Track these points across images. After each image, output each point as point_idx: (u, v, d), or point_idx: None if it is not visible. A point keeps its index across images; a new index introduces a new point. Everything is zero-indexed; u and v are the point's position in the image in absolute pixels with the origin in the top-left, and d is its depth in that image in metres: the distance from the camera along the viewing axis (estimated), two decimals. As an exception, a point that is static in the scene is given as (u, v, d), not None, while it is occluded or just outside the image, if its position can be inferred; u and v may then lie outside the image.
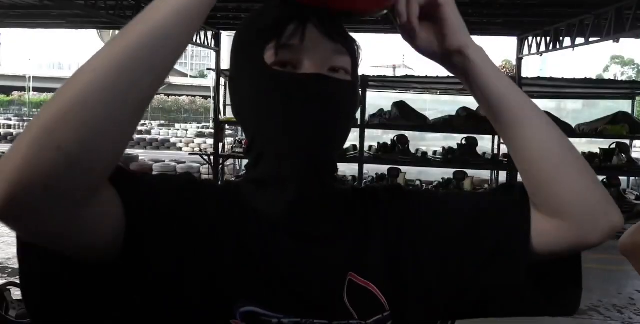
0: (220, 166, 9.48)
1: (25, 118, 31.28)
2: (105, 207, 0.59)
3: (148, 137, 23.73)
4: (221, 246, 0.68)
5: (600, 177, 9.24)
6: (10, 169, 0.49)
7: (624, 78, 40.53)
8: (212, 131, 12.10)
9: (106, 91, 0.51)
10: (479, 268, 0.73)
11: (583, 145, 15.39)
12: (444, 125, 7.92)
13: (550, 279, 0.74)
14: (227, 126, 9.52)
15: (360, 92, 0.73)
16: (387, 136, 11.28)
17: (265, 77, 0.69)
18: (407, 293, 0.73)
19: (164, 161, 13.78)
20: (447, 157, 8.62)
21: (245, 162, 1.61)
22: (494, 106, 0.72)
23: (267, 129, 0.70)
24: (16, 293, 3.39)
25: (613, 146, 9.68)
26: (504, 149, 10.32)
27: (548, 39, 9.14)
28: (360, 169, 9.66)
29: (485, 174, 11.42)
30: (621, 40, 7.52)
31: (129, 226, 0.61)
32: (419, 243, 0.75)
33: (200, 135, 25.42)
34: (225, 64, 0.89)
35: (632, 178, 11.44)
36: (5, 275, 5.25)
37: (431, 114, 8.69)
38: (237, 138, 11.33)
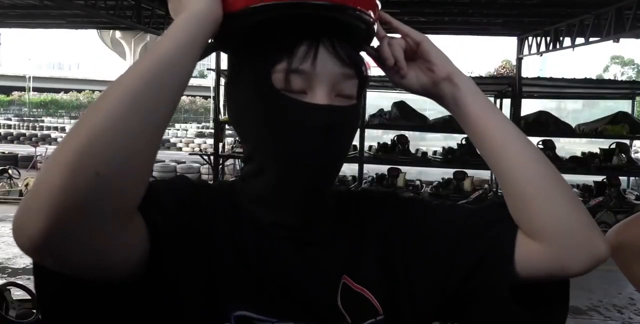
0: (220, 166, 9.48)
1: (25, 118, 31.28)
2: (138, 232, 0.59)
3: (148, 137, 23.65)
4: (219, 250, 0.68)
5: (600, 177, 9.16)
6: (48, 196, 0.48)
7: (624, 78, 40.53)
8: (212, 131, 12.10)
9: (132, 113, 0.53)
10: (466, 277, 0.74)
11: (583, 145, 15.39)
12: (444, 125, 7.91)
13: (536, 293, 0.74)
14: (227, 126, 9.51)
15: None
16: (387, 136, 11.29)
17: (275, 101, 0.67)
18: (399, 298, 0.73)
19: (164, 161, 13.77)
20: (447, 157, 8.62)
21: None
22: (480, 130, 0.74)
23: (270, 151, 0.69)
24: (16, 293, 3.39)
25: (613, 146, 9.69)
26: (504, 149, 10.30)
27: (548, 39, 9.14)
28: (360, 169, 9.65)
29: (485, 174, 11.42)
30: (621, 40, 7.52)
31: (152, 246, 0.61)
32: (409, 250, 0.76)
33: (200, 135, 25.40)
34: (225, 64, 0.87)
35: (632, 178, 11.44)
36: (5, 275, 5.25)
37: (431, 114, 8.67)
38: (237, 138, 11.33)
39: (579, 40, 8.48)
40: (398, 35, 0.76)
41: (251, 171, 0.73)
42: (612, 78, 37.23)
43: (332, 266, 0.72)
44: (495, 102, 11.24)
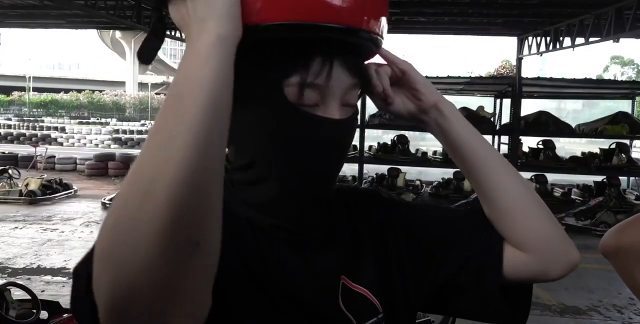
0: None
1: (25, 118, 31.27)
2: None
3: (148, 137, 23.69)
4: (223, 256, 0.65)
5: (600, 177, 9.15)
6: (140, 268, 0.47)
7: (623, 78, 40.52)
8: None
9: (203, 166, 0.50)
10: (454, 275, 0.77)
11: (583, 145, 15.40)
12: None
13: (511, 291, 0.79)
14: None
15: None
16: (387, 136, 11.29)
17: (288, 114, 0.66)
18: (395, 294, 0.76)
19: (164, 161, 13.78)
20: (447, 157, 8.60)
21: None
22: (463, 153, 0.79)
23: (279, 161, 0.68)
24: (16, 293, 3.40)
25: (613, 146, 9.69)
26: (504, 149, 10.32)
27: (548, 39, 9.13)
28: (360, 169, 9.66)
29: (485, 174, 11.38)
30: (621, 40, 7.52)
31: None
32: (403, 248, 0.78)
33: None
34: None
35: (632, 178, 11.44)
36: (5, 275, 5.25)
37: (431, 114, 8.67)
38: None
39: (579, 40, 8.48)
40: (382, 62, 0.78)
41: (249, 179, 0.70)
42: (612, 78, 37.22)
43: (330, 267, 0.72)
44: (495, 102, 11.24)
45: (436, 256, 0.77)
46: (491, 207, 0.78)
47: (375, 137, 12.14)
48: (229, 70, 0.55)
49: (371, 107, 8.94)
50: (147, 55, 0.60)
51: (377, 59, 0.76)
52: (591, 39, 8.15)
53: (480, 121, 9.89)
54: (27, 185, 9.30)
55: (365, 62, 0.74)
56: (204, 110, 0.51)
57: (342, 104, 0.69)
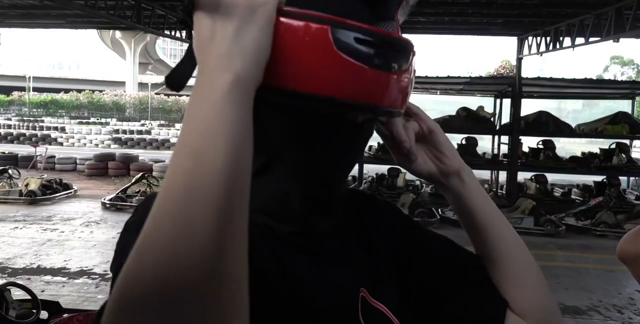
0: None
1: (25, 118, 31.27)
2: None
3: (148, 137, 23.69)
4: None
5: (600, 177, 9.12)
6: None
7: (623, 78, 40.52)
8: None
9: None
10: (459, 316, 0.75)
11: (583, 145, 15.40)
12: (443, 125, 7.91)
13: None
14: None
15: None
16: (387, 136, 11.25)
17: (312, 122, 0.63)
18: (410, 312, 0.74)
19: (164, 161, 13.77)
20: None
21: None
22: (479, 224, 0.77)
23: (300, 165, 0.65)
24: (16, 293, 3.39)
25: (613, 146, 9.70)
26: (504, 149, 10.33)
27: (548, 39, 9.14)
28: (360, 169, 9.65)
29: (485, 174, 11.42)
30: (621, 40, 7.52)
31: None
32: (414, 270, 0.76)
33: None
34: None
35: (632, 178, 11.44)
36: (5, 275, 5.25)
37: (431, 114, 8.53)
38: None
39: (579, 40, 8.48)
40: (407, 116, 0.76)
41: (264, 184, 0.66)
42: (612, 78, 37.22)
43: (349, 279, 0.69)
44: (495, 102, 11.24)
45: (442, 293, 0.75)
46: (496, 272, 0.77)
47: (375, 137, 12.12)
48: (248, 118, 0.49)
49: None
50: (177, 82, 0.54)
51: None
52: (591, 39, 8.15)
53: (480, 120, 9.91)
54: (27, 185, 9.30)
55: None
56: (224, 174, 0.45)
57: None
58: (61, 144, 22.15)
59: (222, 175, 0.45)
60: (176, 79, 0.54)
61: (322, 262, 0.68)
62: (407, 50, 0.60)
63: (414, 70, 0.64)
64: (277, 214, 0.66)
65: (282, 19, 0.55)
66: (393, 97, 0.60)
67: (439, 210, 8.67)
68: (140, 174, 9.87)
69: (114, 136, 23.36)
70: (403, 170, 9.73)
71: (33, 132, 24.12)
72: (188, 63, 0.54)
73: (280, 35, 0.55)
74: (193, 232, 0.43)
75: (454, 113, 9.72)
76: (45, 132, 24.22)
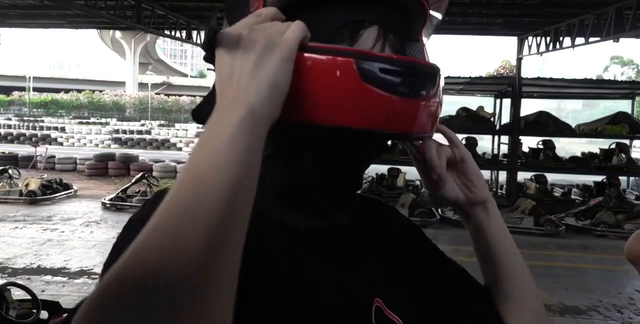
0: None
1: (25, 118, 31.28)
2: None
3: (148, 137, 23.69)
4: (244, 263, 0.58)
5: (600, 177, 9.11)
6: None
7: (623, 78, 40.53)
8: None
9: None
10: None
11: (583, 145, 15.40)
12: (443, 124, 7.91)
13: None
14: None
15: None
16: (387, 136, 11.25)
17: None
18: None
19: (164, 161, 13.78)
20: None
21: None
22: (492, 252, 0.77)
23: (302, 150, 0.65)
24: (16, 293, 3.40)
25: (613, 146, 9.71)
26: (504, 149, 10.32)
27: (548, 39, 9.14)
28: (360, 169, 9.63)
29: (485, 174, 11.36)
30: (621, 40, 7.53)
31: None
32: (426, 286, 0.77)
33: (200, 135, 25.25)
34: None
35: (632, 178, 11.44)
36: (6, 275, 5.25)
37: (431, 114, 8.67)
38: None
39: (579, 40, 8.49)
40: (440, 138, 0.76)
41: (282, 165, 0.66)
42: (612, 78, 37.22)
43: (363, 286, 0.68)
44: (495, 102, 11.25)
45: (449, 313, 0.76)
46: (504, 303, 0.77)
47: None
48: (257, 152, 0.50)
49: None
50: (205, 114, 0.54)
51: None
52: (591, 39, 8.15)
53: (480, 120, 9.91)
54: (27, 185, 9.30)
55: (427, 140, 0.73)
56: (222, 203, 0.45)
57: None
58: (61, 144, 22.16)
59: (220, 203, 0.45)
60: (203, 112, 0.55)
61: (336, 263, 0.67)
62: (433, 75, 0.60)
63: (442, 92, 0.64)
64: (293, 202, 0.66)
65: (307, 55, 0.55)
66: (423, 123, 0.60)
67: (439, 210, 8.68)
68: (141, 174, 9.87)
69: (114, 136, 23.37)
70: (403, 170, 9.75)
71: (33, 132, 24.13)
72: (213, 97, 0.54)
73: (306, 70, 0.55)
74: (180, 252, 0.43)
75: (454, 113, 9.72)
76: (45, 132, 24.23)
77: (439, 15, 0.68)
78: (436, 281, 0.77)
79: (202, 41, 0.51)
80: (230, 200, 0.46)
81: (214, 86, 0.55)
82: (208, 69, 0.58)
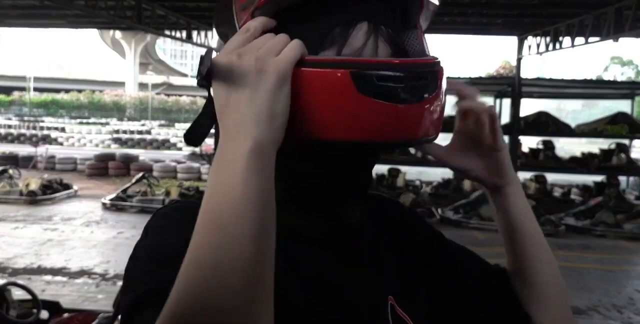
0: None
1: (25, 118, 31.27)
2: None
3: (148, 137, 23.67)
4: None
5: (600, 177, 9.10)
6: None
7: (623, 78, 40.52)
8: (213, 131, 12.07)
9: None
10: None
11: (583, 145, 15.40)
12: (444, 125, 7.91)
13: None
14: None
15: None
16: (387, 136, 11.24)
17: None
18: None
19: (164, 161, 13.78)
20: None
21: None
22: (517, 231, 0.76)
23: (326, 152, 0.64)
24: (17, 293, 3.40)
25: (613, 146, 9.71)
26: (503, 149, 10.31)
27: (548, 39, 9.15)
28: (360, 169, 9.62)
29: (485, 174, 11.37)
30: (621, 40, 7.53)
31: None
32: (442, 286, 0.76)
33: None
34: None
35: (631, 178, 11.45)
36: (6, 275, 5.25)
37: (431, 114, 8.67)
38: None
39: (579, 40, 8.49)
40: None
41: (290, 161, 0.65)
42: (611, 78, 37.23)
43: (378, 285, 0.68)
44: (495, 102, 11.25)
45: (468, 307, 0.75)
46: (524, 287, 0.76)
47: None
48: (270, 183, 0.51)
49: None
50: (196, 137, 0.54)
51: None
52: (591, 39, 8.15)
53: (480, 121, 9.88)
54: (27, 185, 9.30)
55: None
56: (250, 246, 0.47)
57: None
58: (61, 144, 22.13)
59: (248, 247, 0.47)
60: (194, 135, 0.55)
61: (349, 262, 0.67)
62: (433, 74, 0.58)
63: (445, 88, 0.61)
64: (304, 203, 0.65)
65: (303, 69, 0.54)
66: (427, 126, 0.59)
67: (439, 210, 8.68)
68: (141, 174, 9.88)
69: (114, 136, 23.35)
70: (403, 170, 9.74)
71: (33, 132, 24.12)
72: (205, 120, 0.55)
73: (304, 87, 0.54)
74: (221, 305, 0.46)
75: (454, 113, 9.72)
76: (45, 132, 24.22)
77: (435, 0, 0.65)
78: (450, 267, 0.77)
79: (196, 72, 0.52)
80: (255, 240, 0.48)
81: (205, 107, 0.55)
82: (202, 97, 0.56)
